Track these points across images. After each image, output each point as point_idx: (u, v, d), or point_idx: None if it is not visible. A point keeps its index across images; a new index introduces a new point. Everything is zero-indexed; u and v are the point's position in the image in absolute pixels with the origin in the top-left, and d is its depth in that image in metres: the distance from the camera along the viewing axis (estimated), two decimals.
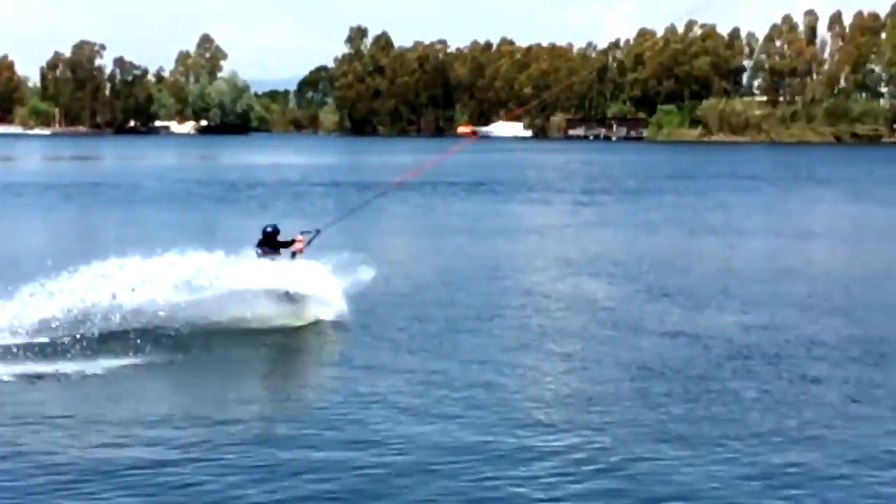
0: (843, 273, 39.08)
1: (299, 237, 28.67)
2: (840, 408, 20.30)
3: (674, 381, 22.10)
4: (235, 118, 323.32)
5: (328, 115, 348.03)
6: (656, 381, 22.04)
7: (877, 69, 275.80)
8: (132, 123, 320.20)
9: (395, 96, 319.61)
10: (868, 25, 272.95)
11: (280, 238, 28.28)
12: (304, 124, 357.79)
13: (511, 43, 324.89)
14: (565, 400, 20.81)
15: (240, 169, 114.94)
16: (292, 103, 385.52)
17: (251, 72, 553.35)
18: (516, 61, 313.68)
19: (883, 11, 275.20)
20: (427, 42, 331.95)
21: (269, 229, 28.25)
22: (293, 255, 28.36)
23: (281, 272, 26.99)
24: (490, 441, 18.21)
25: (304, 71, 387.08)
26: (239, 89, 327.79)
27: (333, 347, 26.06)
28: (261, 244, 27.99)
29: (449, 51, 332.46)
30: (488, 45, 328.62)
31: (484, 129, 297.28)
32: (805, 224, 60.21)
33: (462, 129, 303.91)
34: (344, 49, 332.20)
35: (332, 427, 18.95)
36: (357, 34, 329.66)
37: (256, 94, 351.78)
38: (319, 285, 27.10)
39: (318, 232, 29.05)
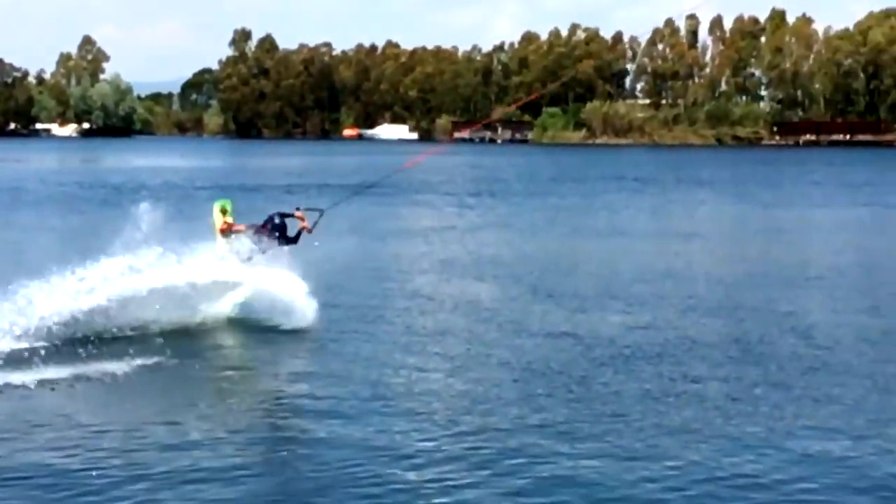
0: (724, 273, 39.63)
1: (298, 213, 28.47)
2: (720, 405, 20.63)
3: (557, 380, 22.33)
4: (118, 121, 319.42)
5: (212, 118, 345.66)
6: (540, 382, 22.26)
7: (757, 73, 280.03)
8: (12, 126, 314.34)
9: (279, 99, 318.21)
10: (748, 29, 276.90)
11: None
12: (189, 127, 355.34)
13: (396, 46, 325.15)
14: (450, 401, 20.90)
15: (123, 172, 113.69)
16: (176, 106, 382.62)
17: (134, 74, 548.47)
18: (401, 64, 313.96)
19: (762, 15, 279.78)
20: (312, 44, 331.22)
21: (276, 220, 28.10)
22: (298, 234, 28.11)
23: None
24: (375, 443, 18.27)
25: (187, 73, 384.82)
26: (122, 91, 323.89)
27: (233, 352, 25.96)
28: (268, 227, 27.87)
29: (334, 53, 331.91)
30: (373, 47, 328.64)
31: (369, 131, 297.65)
32: (688, 225, 60.93)
33: (348, 132, 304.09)
34: (228, 51, 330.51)
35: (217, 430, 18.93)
36: (241, 36, 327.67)
37: (139, 97, 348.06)
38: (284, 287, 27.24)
39: (321, 213, 28.83)
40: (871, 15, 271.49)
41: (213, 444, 18.16)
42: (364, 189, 34.14)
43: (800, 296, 34.69)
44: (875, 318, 30.37)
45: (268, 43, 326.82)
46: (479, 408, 20.37)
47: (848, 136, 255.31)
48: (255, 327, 27.35)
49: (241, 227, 28.81)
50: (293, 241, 28.40)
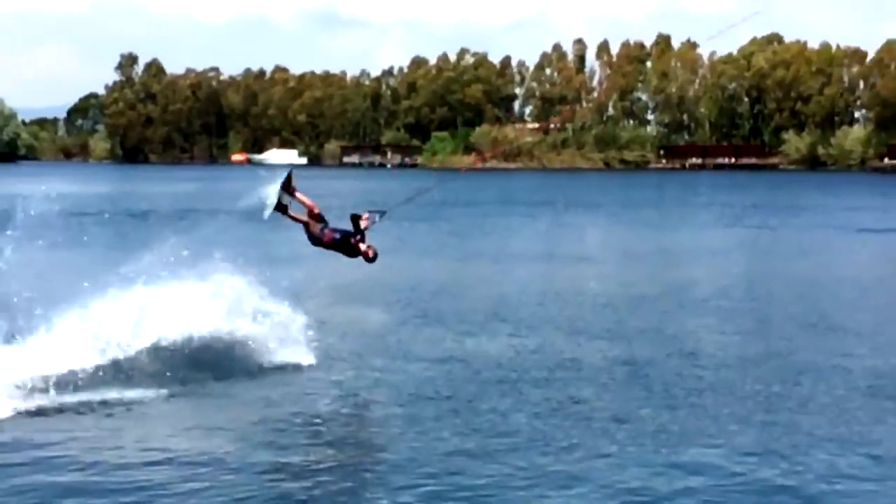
0: (613, 296, 39.90)
1: (365, 215, 27.73)
2: (608, 426, 20.78)
3: (444, 405, 22.37)
4: (2, 146, 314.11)
5: (99, 143, 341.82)
6: (428, 406, 22.28)
7: (643, 97, 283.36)
8: None
9: (167, 124, 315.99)
10: (634, 55, 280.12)
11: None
12: (75, 152, 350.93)
13: (284, 70, 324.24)
14: (336, 427, 20.89)
15: (8, 199, 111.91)
16: (62, 131, 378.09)
17: (18, 99, 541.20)
18: (290, 89, 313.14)
19: (648, 41, 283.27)
20: (199, 69, 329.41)
21: (338, 236, 26.94)
22: (359, 232, 27.26)
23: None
24: (263, 471, 18.20)
25: (73, 98, 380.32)
26: (5, 117, 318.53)
27: None
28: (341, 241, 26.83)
29: (222, 78, 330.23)
30: (262, 72, 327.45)
31: (258, 156, 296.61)
32: (577, 248, 61.34)
33: (236, 157, 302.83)
34: (114, 76, 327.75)
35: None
36: (127, 61, 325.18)
37: (24, 122, 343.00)
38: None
39: (384, 213, 28.01)
40: (754, 41, 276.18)
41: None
42: (424, 192, 33.92)
43: (686, 318, 35.04)
44: (759, 338, 30.78)
45: (155, 68, 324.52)
46: (365, 432, 20.38)
47: (733, 160, 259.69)
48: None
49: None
50: (350, 245, 27.09)
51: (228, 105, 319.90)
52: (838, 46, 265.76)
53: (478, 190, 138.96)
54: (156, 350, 25.24)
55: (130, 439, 20.06)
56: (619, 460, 18.72)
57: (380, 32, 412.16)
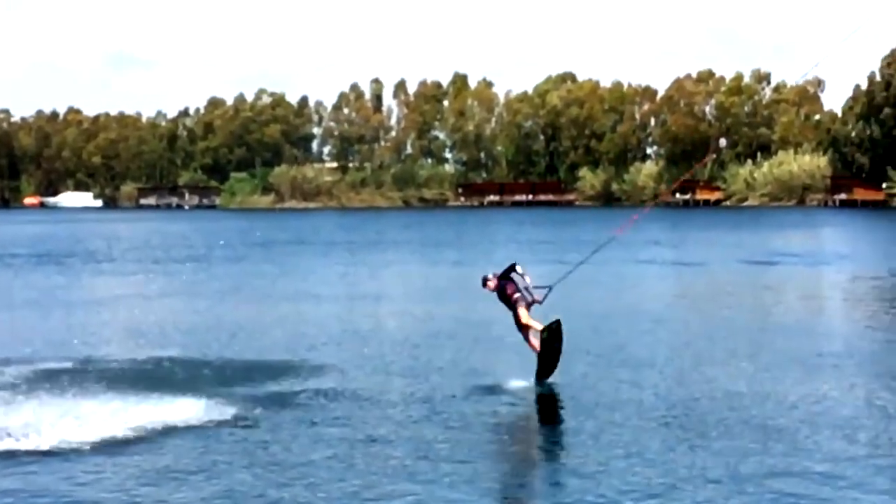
0: (410, 333, 40.04)
1: (537, 294, 30.12)
2: (404, 464, 20.86)
3: (237, 447, 22.25)
4: None
5: None
6: (222, 447, 22.20)
7: (441, 135, 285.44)
8: None
9: None
10: (431, 93, 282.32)
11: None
12: None
13: (78, 112, 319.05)
14: (131, 469, 20.59)
15: None
16: None
17: None
18: (84, 130, 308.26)
19: (445, 80, 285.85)
20: None
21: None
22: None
23: None
24: None
25: None
26: None
27: None
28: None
29: (13, 120, 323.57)
30: (55, 114, 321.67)
31: (52, 199, 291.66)
32: (375, 286, 61.37)
33: (29, 200, 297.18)
34: None
35: None
36: None
37: None
38: None
39: (550, 289, 30.48)
40: (549, 79, 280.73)
41: None
42: (605, 244, 34.03)
43: (483, 353, 35.37)
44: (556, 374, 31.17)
45: None
46: (163, 478, 20.10)
47: (530, 197, 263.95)
48: None
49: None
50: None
51: (20, 147, 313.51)
52: (630, 85, 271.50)
53: (277, 230, 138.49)
54: None
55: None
56: (418, 497, 18.79)
57: (175, 73, 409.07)
